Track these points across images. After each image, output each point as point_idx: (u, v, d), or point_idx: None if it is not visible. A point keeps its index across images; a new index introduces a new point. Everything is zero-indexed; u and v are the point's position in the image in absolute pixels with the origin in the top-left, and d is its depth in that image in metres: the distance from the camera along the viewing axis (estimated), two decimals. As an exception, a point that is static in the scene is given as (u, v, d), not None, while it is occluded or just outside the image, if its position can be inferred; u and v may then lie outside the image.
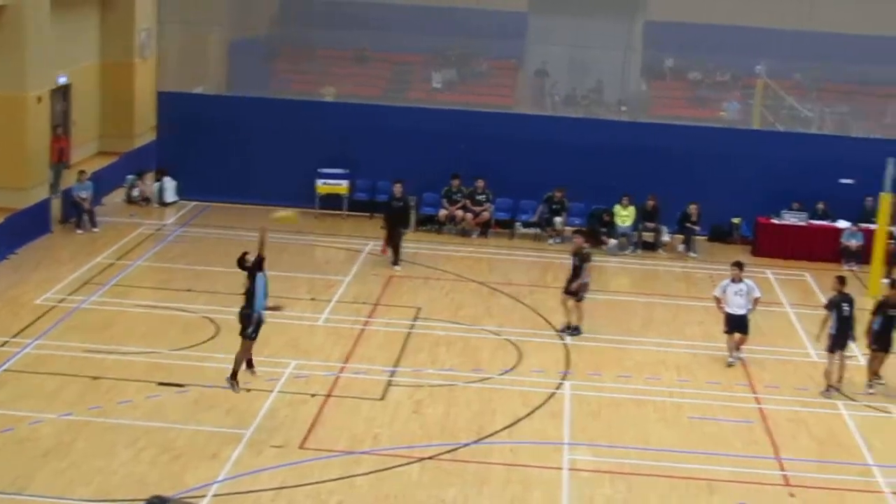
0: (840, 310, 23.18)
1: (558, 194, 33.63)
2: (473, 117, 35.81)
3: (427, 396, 21.79)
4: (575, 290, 25.59)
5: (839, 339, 23.12)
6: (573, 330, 25.56)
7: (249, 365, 20.16)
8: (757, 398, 22.79)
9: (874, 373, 23.40)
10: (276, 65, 43.06)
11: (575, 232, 28.21)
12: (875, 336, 23.25)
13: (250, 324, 19.77)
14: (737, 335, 24.53)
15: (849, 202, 33.11)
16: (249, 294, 19.76)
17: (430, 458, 19.23)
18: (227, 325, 23.54)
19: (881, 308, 23.29)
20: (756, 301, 24.65)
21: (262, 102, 36.18)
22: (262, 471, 18.38)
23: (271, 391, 21.28)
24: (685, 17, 38.57)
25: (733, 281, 24.61)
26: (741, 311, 24.43)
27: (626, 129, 35.78)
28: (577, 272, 25.62)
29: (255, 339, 19.94)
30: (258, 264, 19.75)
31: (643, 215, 33.51)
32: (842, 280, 23.65)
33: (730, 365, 24.31)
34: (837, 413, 22.32)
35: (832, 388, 23.05)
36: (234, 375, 20.02)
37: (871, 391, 23.18)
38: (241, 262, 19.95)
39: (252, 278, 19.75)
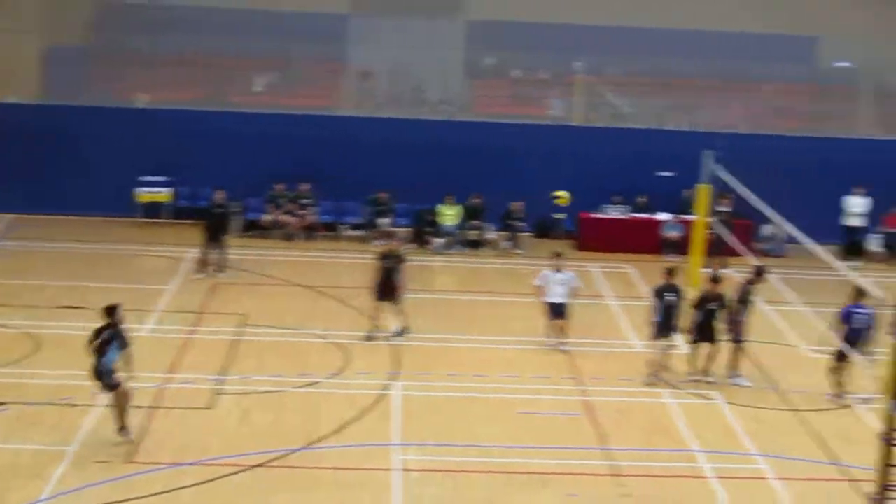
0: (663, 298, 23.62)
1: (383, 196, 33.64)
2: (296, 120, 35.60)
3: (255, 403, 21.56)
4: (393, 294, 25.48)
5: (663, 328, 23.55)
6: (396, 334, 25.45)
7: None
8: (583, 390, 23.04)
9: (703, 370, 23.76)
10: (93, 72, 42.15)
11: (385, 234, 28.20)
12: (697, 329, 23.70)
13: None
14: (559, 321, 25.03)
15: (668, 194, 33.76)
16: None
17: (259, 465, 19.02)
18: (48, 340, 23.06)
19: (702, 302, 23.73)
20: (576, 291, 25.15)
21: (78, 111, 35.47)
22: (87, 487, 17.96)
23: (96, 406, 20.79)
24: (505, 15, 38.86)
25: (555, 271, 25.07)
26: (562, 300, 24.98)
27: (449, 128, 35.95)
28: (388, 275, 25.46)
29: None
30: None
31: (468, 214, 33.72)
32: (670, 270, 24.12)
33: (551, 347, 24.79)
34: (661, 402, 22.70)
35: (655, 375, 23.45)
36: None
37: (710, 380, 23.63)
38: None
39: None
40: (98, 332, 19.32)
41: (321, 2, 39.76)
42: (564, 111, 38.12)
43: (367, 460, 19.41)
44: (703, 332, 23.65)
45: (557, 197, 29.26)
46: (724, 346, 23.76)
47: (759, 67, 38.79)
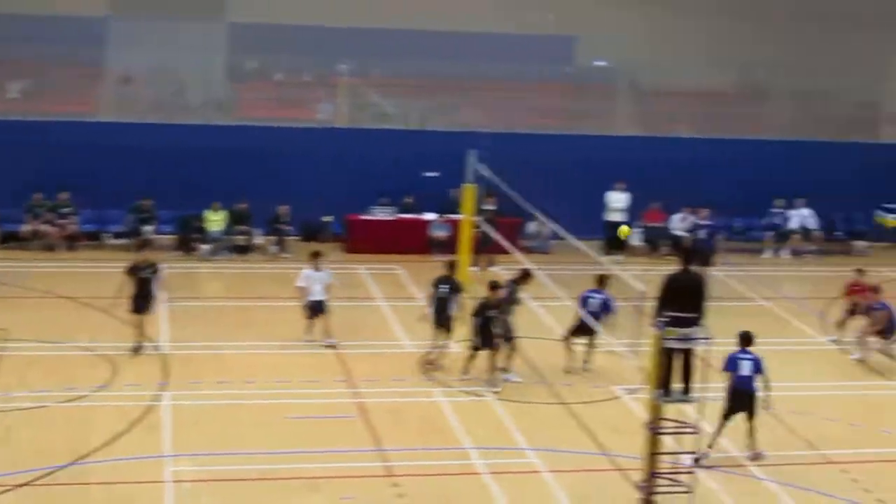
0: (437, 290, 24.20)
1: (146, 203, 33.04)
2: (53, 127, 34.63)
3: (18, 421, 20.87)
4: (147, 307, 24.91)
5: (435, 319, 24.20)
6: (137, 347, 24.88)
7: None
8: (356, 392, 23.03)
9: (490, 370, 23.92)
10: None
11: (141, 244, 27.61)
12: (477, 335, 23.85)
13: None
14: (319, 319, 25.49)
15: (434, 195, 33.95)
16: None
17: (24, 484, 18.41)
18: None
19: (482, 309, 23.88)
20: (330, 287, 25.69)
21: None
22: None
23: None
24: (268, 18, 38.54)
25: (314, 270, 25.54)
26: (321, 297, 25.45)
27: (213, 132, 35.47)
28: (145, 285, 24.83)
29: None
30: None
31: (234, 219, 33.36)
32: (449, 265, 24.92)
33: (317, 347, 25.05)
34: (434, 401, 22.84)
35: (429, 372, 23.71)
36: None
37: (509, 378, 23.92)
38: None
39: None
40: None
41: (77, 5, 38.75)
42: (329, 113, 38.05)
43: (138, 473, 19.00)
44: (484, 338, 23.79)
45: (623, 233, 28.67)
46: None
47: (519, 68, 39.35)
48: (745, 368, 20.39)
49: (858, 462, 20.79)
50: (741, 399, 20.40)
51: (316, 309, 25.51)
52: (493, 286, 24.15)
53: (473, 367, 23.97)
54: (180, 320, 25.63)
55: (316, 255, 25.94)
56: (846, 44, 39.55)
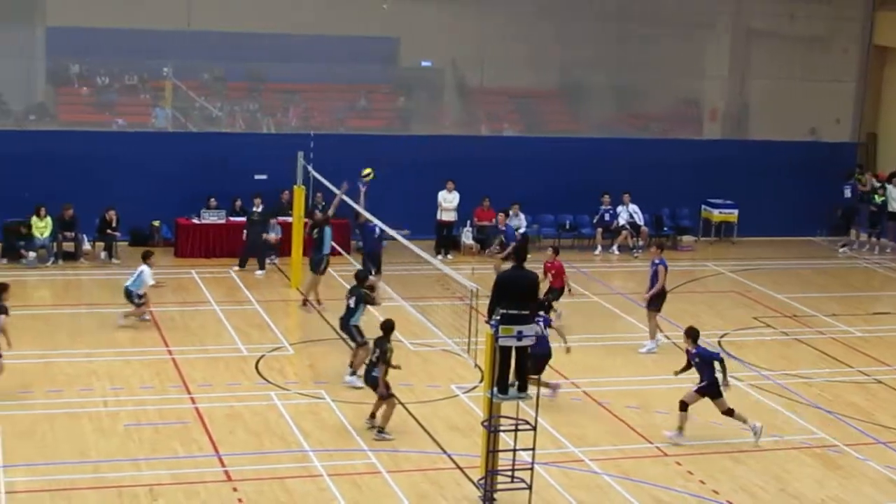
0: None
1: (-32, 210, 32.36)
2: None
3: None
4: None
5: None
6: None
7: None
8: (192, 398, 22.88)
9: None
10: None
11: None
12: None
13: None
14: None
15: (265, 197, 33.76)
16: None
17: None
18: None
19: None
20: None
21: None
22: None
23: None
24: (87, 21, 37.83)
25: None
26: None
27: (34, 138, 34.81)
28: None
29: None
30: None
31: (61, 225, 32.78)
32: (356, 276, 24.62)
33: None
34: (272, 404, 22.80)
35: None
36: None
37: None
38: None
39: None
40: None
41: None
42: (155, 117, 37.62)
43: (-31, 487, 18.65)
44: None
45: (366, 175, 29.52)
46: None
47: (345, 69, 39.36)
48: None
49: (691, 454, 21.31)
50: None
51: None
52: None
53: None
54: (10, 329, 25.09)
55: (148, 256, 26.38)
56: (665, 44, 40.50)
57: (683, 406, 21.56)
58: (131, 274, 27.48)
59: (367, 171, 30.19)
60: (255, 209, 32.85)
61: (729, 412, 21.65)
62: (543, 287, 25.54)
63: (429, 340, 25.60)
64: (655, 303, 26.79)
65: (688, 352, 21.95)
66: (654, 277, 26.67)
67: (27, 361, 24.29)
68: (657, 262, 26.77)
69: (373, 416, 21.61)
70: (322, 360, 25.16)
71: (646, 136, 40.47)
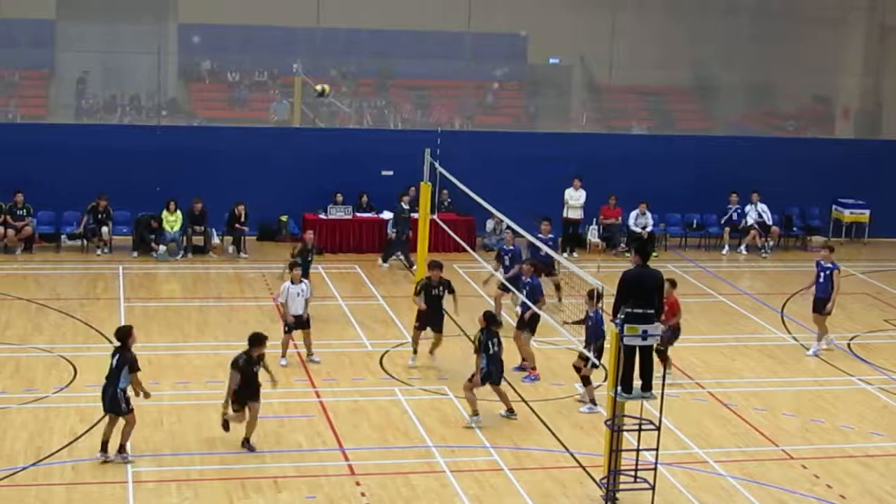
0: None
1: (102, 203, 32.90)
2: (5, 130, 34.56)
3: (-23, 423, 20.80)
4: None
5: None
6: None
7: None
8: (317, 392, 23.03)
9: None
10: None
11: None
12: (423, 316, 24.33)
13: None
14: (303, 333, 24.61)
15: (391, 193, 33.93)
16: None
17: (-9, 485, 18.37)
18: None
19: (426, 289, 24.24)
20: (308, 302, 24.61)
21: None
22: None
23: None
24: (218, 19, 38.40)
25: (293, 283, 24.51)
26: (303, 312, 24.36)
27: (167, 133, 35.40)
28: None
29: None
30: None
31: (191, 219, 33.26)
32: (433, 265, 24.72)
33: (283, 365, 24.23)
34: (395, 399, 22.87)
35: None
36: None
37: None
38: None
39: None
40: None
41: (27, 9, 38.46)
42: (284, 113, 38.01)
43: (100, 474, 18.94)
44: (431, 320, 24.33)
45: (322, 91, 29.98)
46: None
47: (474, 66, 39.41)
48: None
49: (817, 458, 20.96)
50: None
51: (297, 324, 24.42)
52: (432, 265, 24.73)
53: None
54: (140, 321, 25.51)
55: (293, 267, 24.95)
56: (798, 41, 39.89)
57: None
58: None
59: (321, 86, 30.35)
60: (403, 205, 32.79)
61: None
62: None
63: (552, 339, 25.48)
64: (821, 306, 26.31)
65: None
66: (824, 281, 26.10)
67: (157, 353, 24.68)
68: (829, 265, 26.19)
69: (510, 410, 21.91)
70: (445, 356, 25.13)
71: (775, 135, 39.86)
